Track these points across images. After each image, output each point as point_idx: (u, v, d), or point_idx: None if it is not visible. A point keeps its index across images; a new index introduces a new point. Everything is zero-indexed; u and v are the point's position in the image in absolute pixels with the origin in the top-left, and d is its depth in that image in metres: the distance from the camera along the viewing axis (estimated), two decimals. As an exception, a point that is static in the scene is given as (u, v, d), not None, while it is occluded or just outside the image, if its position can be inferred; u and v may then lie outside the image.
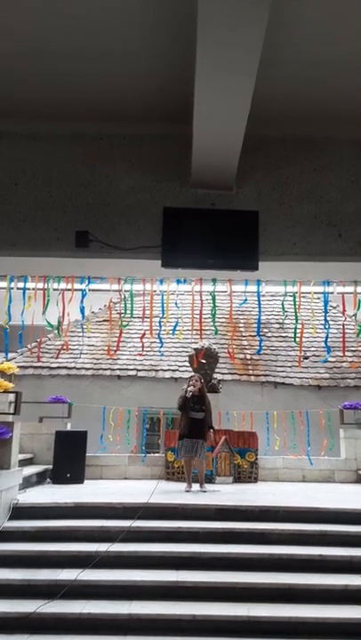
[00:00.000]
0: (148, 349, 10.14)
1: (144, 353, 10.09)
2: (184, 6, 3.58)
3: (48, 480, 7.55)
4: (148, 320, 6.75)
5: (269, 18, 3.37)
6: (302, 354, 11.41)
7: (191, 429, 7.08)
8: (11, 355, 11.14)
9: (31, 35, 4.07)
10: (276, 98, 4.65)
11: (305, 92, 4.63)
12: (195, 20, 3.37)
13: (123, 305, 7.01)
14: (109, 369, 11.57)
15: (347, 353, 11.31)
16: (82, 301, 6.16)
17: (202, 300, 6.26)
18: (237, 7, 3.24)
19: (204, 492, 6.88)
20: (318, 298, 6.76)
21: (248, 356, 11.94)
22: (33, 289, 6.11)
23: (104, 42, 4.11)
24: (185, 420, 7.17)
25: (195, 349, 8.95)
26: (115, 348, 8.54)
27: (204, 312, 6.40)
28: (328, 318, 6.76)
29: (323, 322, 6.79)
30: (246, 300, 6.66)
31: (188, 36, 3.68)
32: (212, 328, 7.30)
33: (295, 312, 6.54)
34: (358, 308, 6.24)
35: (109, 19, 3.87)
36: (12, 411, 6.98)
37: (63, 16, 3.86)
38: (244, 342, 12.34)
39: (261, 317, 7.56)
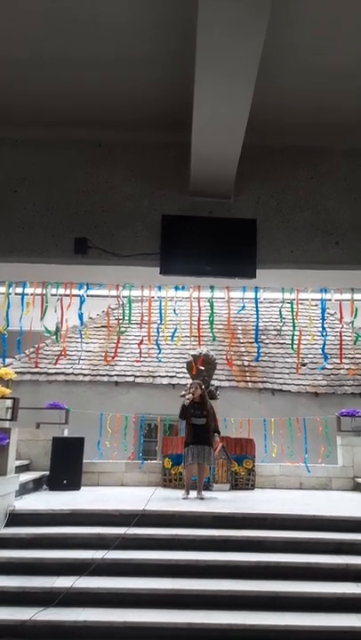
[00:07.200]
0: (146, 355, 10.13)
1: (142, 359, 10.08)
2: (184, 16, 3.61)
3: (45, 486, 7.53)
4: (146, 326, 6.76)
5: (268, 26, 3.40)
6: (300, 361, 11.41)
7: (195, 436, 7.11)
8: (8, 360, 11.11)
9: (31, 41, 4.09)
10: (275, 107, 4.68)
11: (303, 102, 4.66)
12: (194, 29, 3.40)
13: (121, 311, 7.02)
14: (107, 375, 11.56)
15: (344, 360, 11.35)
16: (80, 307, 6.17)
17: (200, 307, 6.28)
18: (237, 15, 3.27)
19: (202, 499, 6.87)
20: (316, 305, 6.79)
21: (246, 363, 11.94)
22: (31, 295, 6.11)
23: (103, 51, 4.15)
24: (187, 428, 7.21)
25: (193, 356, 8.94)
26: (112, 355, 8.54)
27: (202, 319, 6.41)
28: (325, 325, 6.79)
29: (320, 329, 6.81)
30: (244, 306, 6.68)
31: (188, 45, 3.71)
32: (210, 335, 7.30)
33: (293, 319, 6.57)
34: (355, 316, 6.28)
35: (109, 30, 3.91)
36: (9, 417, 6.98)
37: (64, 23, 3.89)
38: (242, 349, 12.35)
39: (259, 324, 7.57)
